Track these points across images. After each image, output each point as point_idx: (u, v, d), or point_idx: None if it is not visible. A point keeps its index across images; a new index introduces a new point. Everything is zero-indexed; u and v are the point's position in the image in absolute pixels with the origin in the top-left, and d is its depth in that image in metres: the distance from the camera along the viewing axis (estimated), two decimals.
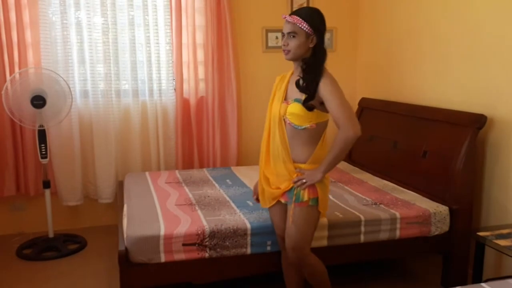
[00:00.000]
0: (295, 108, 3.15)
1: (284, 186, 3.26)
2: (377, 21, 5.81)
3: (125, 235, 3.57)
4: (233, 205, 4.13)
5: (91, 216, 5.72)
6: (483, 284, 2.72)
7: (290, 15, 3.17)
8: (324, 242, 3.78)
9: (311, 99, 3.10)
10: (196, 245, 3.54)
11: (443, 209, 4.03)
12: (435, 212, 3.99)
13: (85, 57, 5.33)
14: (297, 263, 3.37)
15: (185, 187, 4.68)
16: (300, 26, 3.07)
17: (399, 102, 5.20)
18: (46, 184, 5.02)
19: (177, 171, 5.35)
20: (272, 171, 3.36)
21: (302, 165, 3.22)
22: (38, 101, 4.73)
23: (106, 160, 5.49)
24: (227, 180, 4.93)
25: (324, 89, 3.07)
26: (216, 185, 4.77)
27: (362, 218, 3.86)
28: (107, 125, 5.43)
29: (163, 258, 3.49)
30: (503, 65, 3.96)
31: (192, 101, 5.70)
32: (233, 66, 5.67)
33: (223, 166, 5.79)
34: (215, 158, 5.83)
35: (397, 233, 3.93)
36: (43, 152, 4.93)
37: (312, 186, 3.17)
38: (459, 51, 4.43)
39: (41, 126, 4.87)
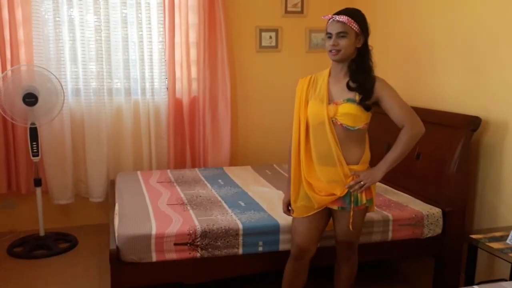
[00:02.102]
0: (350, 109, 3.07)
1: (339, 191, 3.15)
2: (372, 22, 5.73)
3: (116, 234, 3.55)
4: (225, 205, 4.11)
5: (82, 214, 5.70)
6: (475, 287, 2.72)
7: (337, 14, 3.11)
8: None
9: (368, 99, 3.07)
10: (188, 245, 3.53)
11: (436, 212, 4.02)
12: (428, 214, 3.98)
13: (78, 55, 5.31)
14: (349, 268, 3.51)
15: (177, 187, 4.66)
16: (350, 25, 3.03)
17: None
18: (37, 182, 5.00)
19: (169, 171, 5.33)
20: (319, 177, 3.21)
21: (355, 167, 3.16)
22: (30, 99, 4.71)
23: (98, 158, 5.46)
24: (219, 180, 4.91)
25: (382, 90, 3.09)
26: (208, 185, 4.76)
27: None
28: (99, 124, 5.41)
29: (154, 258, 3.47)
30: (498, 67, 3.96)
31: (185, 101, 5.68)
32: (226, 66, 5.66)
33: (215, 166, 5.77)
34: (207, 158, 5.81)
35: (390, 235, 3.92)
36: (35, 150, 4.90)
37: (368, 188, 3.16)
38: (453, 53, 4.43)
39: (33, 124, 4.85)
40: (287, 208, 3.47)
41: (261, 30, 5.89)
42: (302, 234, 3.34)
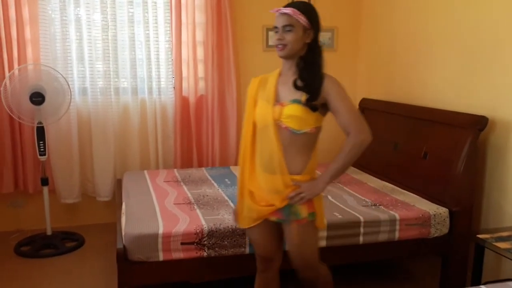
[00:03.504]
0: (295, 110, 2.82)
1: (279, 202, 2.89)
2: (378, 21, 5.79)
3: (123, 233, 3.55)
4: (231, 204, 4.11)
5: (89, 214, 5.71)
6: (482, 287, 2.71)
7: (285, 7, 2.87)
8: (322, 243, 3.75)
9: (315, 98, 2.81)
10: (195, 244, 3.53)
11: (443, 211, 4.01)
12: (434, 214, 3.98)
13: (84, 54, 5.32)
14: (311, 281, 3.16)
15: (184, 186, 4.66)
16: (297, 18, 2.79)
17: (400, 103, 5.18)
18: (44, 182, 5.01)
19: (175, 170, 5.33)
20: (261, 186, 2.97)
21: (298, 177, 2.89)
22: (37, 98, 4.72)
23: (105, 158, 5.48)
24: (226, 180, 4.91)
25: (330, 89, 2.82)
26: (215, 184, 4.76)
27: (361, 219, 3.84)
28: (106, 123, 5.42)
29: (161, 257, 3.48)
30: (504, 66, 3.95)
31: (192, 100, 5.69)
32: (233, 65, 5.66)
33: (222, 165, 5.77)
34: (214, 157, 5.82)
35: (396, 235, 3.91)
36: (42, 149, 4.91)
37: (309, 200, 2.89)
38: (460, 52, 4.42)
39: (40, 123, 4.86)
40: (237, 218, 3.27)
41: (268, 29, 5.88)
42: (259, 243, 3.17)
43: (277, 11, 2.89)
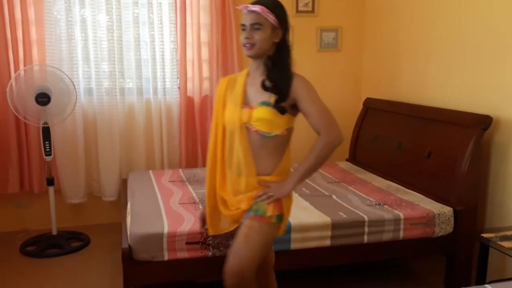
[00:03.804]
0: (264, 113, 2.73)
1: (245, 204, 2.81)
2: (382, 21, 5.79)
3: (128, 233, 3.57)
4: None
5: (94, 213, 5.73)
6: (486, 286, 2.71)
7: (253, 4, 2.75)
8: (327, 242, 3.77)
9: (283, 100, 2.72)
10: (199, 243, 3.54)
11: (447, 210, 4.01)
12: (439, 213, 3.98)
13: (90, 55, 5.34)
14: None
15: (189, 186, 4.67)
16: (265, 16, 2.69)
17: (404, 103, 5.18)
18: (50, 182, 5.03)
19: (180, 170, 5.35)
20: (230, 191, 2.90)
21: (267, 178, 2.82)
22: (43, 99, 4.74)
23: (110, 158, 5.49)
24: None
25: (300, 89, 2.74)
26: None
27: (366, 218, 3.85)
28: (111, 123, 5.44)
29: (166, 256, 3.49)
30: (509, 66, 3.94)
31: (196, 100, 5.70)
32: (237, 65, 5.66)
33: None
34: None
35: (401, 234, 3.91)
36: (47, 150, 4.93)
37: (277, 201, 2.77)
38: (464, 52, 4.41)
39: (46, 123, 4.87)
40: (203, 224, 3.17)
41: None
42: None
43: (245, 7, 2.77)
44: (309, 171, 2.82)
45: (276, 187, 2.79)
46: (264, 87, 2.76)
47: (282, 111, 2.73)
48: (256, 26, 2.71)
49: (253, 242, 2.74)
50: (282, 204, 2.80)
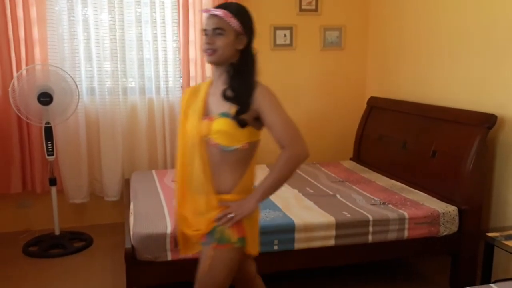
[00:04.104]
0: (223, 124, 2.52)
1: (205, 227, 2.60)
2: (386, 19, 5.77)
3: (131, 233, 3.56)
4: None
5: (97, 214, 5.71)
6: (491, 285, 2.70)
7: (216, 8, 2.60)
8: (331, 242, 3.76)
9: (244, 111, 2.52)
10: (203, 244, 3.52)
11: (452, 210, 3.99)
12: (444, 213, 3.96)
13: (92, 54, 5.33)
14: None
15: None
16: (228, 21, 2.53)
17: (408, 102, 5.16)
18: (53, 182, 5.02)
19: None
20: (190, 209, 2.71)
21: (227, 196, 2.60)
22: (45, 98, 4.73)
23: (113, 157, 5.48)
24: None
25: (262, 100, 2.54)
26: None
27: (370, 218, 3.83)
28: (114, 123, 5.42)
29: (169, 256, 3.48)
30: None
31: None
32: None
33: None
34: None
35: (406, 233, 3.90)
36: (50, 150, 4.92)
37: (238, 223, 2.56)
38: (469, 50, 4.39)
39: (48, 123, 4.86)
40: (175, 243, 3.03)
41: (275, 28, 5.88)
42: None
43: (206, 11, 2.62)
44: (272, 188, 2.59)
45: (236, 206, 2.57)
46: (224, 96, 2.57)
47: (242, 123, 2.52)
48: (218, 31, 2.54)
49: (217, 272, 2.60)
50: (243, 225, 2.59)
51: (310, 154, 2.58)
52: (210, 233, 2.59)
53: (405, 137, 4.96)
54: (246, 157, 2.64)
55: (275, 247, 3.67)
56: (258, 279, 3.05)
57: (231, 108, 2.53)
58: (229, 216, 2.54)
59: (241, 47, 2.60)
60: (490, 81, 4.16)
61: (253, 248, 2.72)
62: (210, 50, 2.56)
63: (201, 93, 2.70)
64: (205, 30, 2.60)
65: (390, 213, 3.90)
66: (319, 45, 6.05)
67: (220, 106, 2.58)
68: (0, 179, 5.19)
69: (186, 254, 2.92)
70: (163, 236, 3.46)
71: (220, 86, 2.62)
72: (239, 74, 2.59)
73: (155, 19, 5.42)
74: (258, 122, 2.58)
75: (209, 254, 2.59)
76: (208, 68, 5.66)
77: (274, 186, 2.59)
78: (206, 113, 2.63)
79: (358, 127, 5.89)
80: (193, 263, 3.52)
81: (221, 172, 2.61)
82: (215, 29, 2.54)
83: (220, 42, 2.53)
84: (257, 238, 2.75)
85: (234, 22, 2.55)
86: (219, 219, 2.55)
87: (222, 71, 2.63)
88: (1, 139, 5.13)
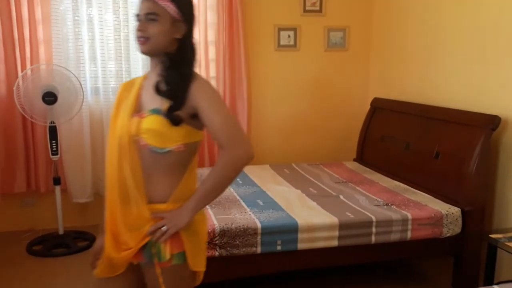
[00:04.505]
0: (154, 122, 2.19)
1: (136, 243, 2.24)
2: (390, 20, 5.77)
3: None
4: (243, 204, 4.11)
5: (101, 213, 5.66)
6: (494, 287, 2.71)
7: None
8: (334, 243, 3.76)
9: (178, 107, 2.20)
10: (207, 243, 3.53)
11: (455, 211, 3.99)
12: (447, 214, 3.96)
13: (97, 54, 5.34)
14: None
15: None
16: (163, 6, 2.21)
17: (411, 103, 5.16)
18: (57, 181, 5.03)
19: None
20: (120, 221, 2.31)
21: (161, 206, 2.25)
22: (50, 98, 4.74)
23: None
24: (237, 179, 4.90)
25: (199, 95, 2.22)
26: None
27: (373, 218, 3.83)
28: None
29: None
30: None
31: None
32: (244, 64, 5.66)
33: None
34: None
35: (409, 234, 3.90)
36: (54, 149, 4.93)
37: (175, 236, 2.21)
38: (473, 51, 4.39)
39: (52, 122, 4.88)
40: (95, 259, 2.54)
41: (279, 29, 5.88)
42: None
43: None
44: (209, 195, 2.29)
45: (170, 218, 2.21)
46: (157, 90, 2.25)
47: (175, 121, 2.19)
48: (151, 16, 2.21)
49: None
50: (181, 238, 2.25)
51: (255, 155, 2.26)
52: (145, 250, 2.26)
53: (409, 138, 4.96)
54: (183, 161, 2.30)
55: (278, 248, 3.68)
56: None
57: (164, 104, 2.21)
58: (163, 229, 2.19)
59: (179, 36, 2.28)
60: (493, 82, 4.16)
61: (197, 264, 2.34)
62: (143, 38, 2.23)
63: (135, 87, 2.38)
64: (137, 15, 2.27)
65: (393, 214, 3.90)
66: (323, 46, 6.05)
67: (152, 101, 2.26)
68: (4, 178, 5.21)
69: (103, 276, 2.46)
70: None
71: (153, 78, 2.30)
72: (175, 66, 2.27)
73: None
74: (196, 120, 2.26)
75: (158, 273, 2.25)
76: (213, 67, 5.68)
77: (211, 193, 2.28)
78: (138, 110, 2.29)
79: (361, 128, 5.89)
80: None
81: (154, 178, 2.26)
82: (148, 14, 2.22)
83: (153, 29, 2.21)
84: (202, 252, 2.39)
85: (170, 7, 2.22)
86: (151, 233, 2.20)
87: (157, 62, 2.32)
88: (6, 138, 5.14)
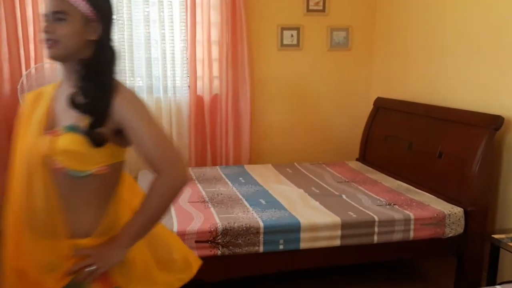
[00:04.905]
0: (71, 142, 1.82)
1: (55, 282, 1.87)
2: (393, 19, 5.77)
3: None
4: (246, 203, 4.12)
5: None
6: (497, 287, 2.71)
7: None
8: (337, 242, 3.76)
9: (100, 124, 1.84)
10: (209, 242, 3.54)
11: (458, 211, 3.99)
12: (449, 214, 3.96)
13: None
14: None
15: (198, 184, 4.66)
16: (73, 3, 1.85)
17: (414, 102, 5.16)
18: None
19: (190, 169, 5.33)
20: (32, 260, 1.91)
21: (84, 241, 1.89)
22: None
23: None
24: (240, 178, 4.92)
25: (125, 109, 1.87)
26: (229, 183, 4.76)
27: (376, 218, 3.83)
28: None
29: None
30: None
31: (206, 99, 5.70)
32: (247, 64, 5.66)
33: (236, 164, 5.78)
34: (228, 156, 5.83)
35: (411, 234, 3.90)
36: None
37: (104, 274, 1.89)
38: (476, 51, 4.39)
39: None
40: None
41: (282, 29, 5.89)
42: None
43: None
44: (147, 227, 1.96)
45: (98, 255, 1.88)
46: (73, 104, 1.87)
47: (97, 141, 1.84)
48: (59, 15, 1.84)
49: None
50: (110, 276, 1.93)
51: (190, 178, 1.97)
52: None
53: (411, 138, 4.96)
54: (108, 185, 1.96)
55: (281, 247, 3.68)
56: None
57: (83, 120, 1.84)
58: (89, 269, 1.84)
59: (93, 37, 1.92)
60: (497, 82, 4.16)
61: None
62: (50, 41, 1.86)
63: (44, 98, 2.00)
64: (44, 15, 1.88)
65: (395, 213, 3.90)
66: (326, 45, 6.05)
67: (68, 116, 1.88)
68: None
69: None
70: None
71: (68, 89, 1.92)
72: (92, 74, 1.90)
73: (163, 18, 5.44)
74: (121, 137, 1.91)
75: None
76: (216, 67, 5.69)
77: (149, 224, 1.95)
78: (50, 126, 1.91)
79: (364, 128, 5.89)
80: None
81: (73, 207, 1.88)
82: (55, 12, 1.85)
83: (62, 30, 1.85)
84: (146, 279, 2.07)
85: (81, 4, 1.86)
86: (74, 272, 1.86)
87: (70, 69, 1.94)
88: (10, 136, 5.14)
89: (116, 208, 1.98)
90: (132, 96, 1.93)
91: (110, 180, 1.95)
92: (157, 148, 1.90)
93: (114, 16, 2.02)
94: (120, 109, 1.85)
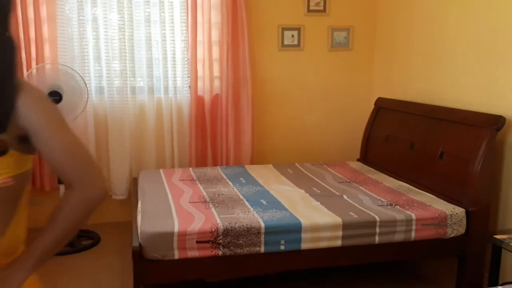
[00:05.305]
0: None
1: None
2: (394, 20, 5.77)
3: (139, 232, 3.57)
4: (246, 203, 4.11)
5: (105, 212, 5.73)
6: (499, 287, 2.70)
7: None
8: (338, 243, 3.75)
9: (1, 130, 1.47)
10: (210, 242, 3.53)
11: (460, 211, 3.99)
12: (451, 214, 3.95)
13: (101, 53, 5.36)
14: None
15: (199, 185, 4.67)
16: None
17: (416, 102, 5.16)
18: (61, 180, 5.04)
19: (191, 169, 5.34)
20: None
21: None
22: (55, 97, 4.75)
23: (121, 156, 5.50)
24: (241, 179, 4.91)
25: (32, 112, 1.51)
26: (230, 183, 4.76)
27: (377, 218, 3.83)
28: (122, 122, 5.45)
29: (176, 255, 3.48)
30: None
31: (207, 99, 5.71)
32: (248, 64, 5.66)
33: (236, 164, 5.78)
34: (228, 156, 5.83)
35: (413, 235, 3.89)
36: None
37: None
38: (478, 51, 4.39)
39: None
40: None
41: (283, 29, 5.89)
42: None
43: None
44: (55, 248, 1.66)
45: None
46: None
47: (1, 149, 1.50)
48: None
49: None
50: None
51: (107, 193, 1.67)
52: None
53: (413, 138, 4.96)
54: (11, 198, 1.62)
55: (282, 247, 3.68)
56: None
57: None
58: None
59: None
60: (498, 82, 4.16)
61: None
62: None
63: None
64: None
65: (397, 214, 3.90)
66: (326, 45, 6.05)
67: None
68: None
69: None
70: (170, 235, 3.46)
71: None
72: None
73: (164, 19, 5.44)
74: (26, 143, 1.56)
75: None
76: (216, 67, 5.69)
77: (58, 244, 1.66)
78: None
79: (365, 128, 5.89)
80: (201, 262, 3.55)
81: None
82: None
83: None
84: None
85: None
86: None
87: None
88: None
89: (19, 224, 1.72)
90: (41, 97, 1.57)
91: (15, 193, 1.62)
92: (69, 157, 1.58)
93: (10, 7, 1.66)
94: (25, 111, 1.50)
